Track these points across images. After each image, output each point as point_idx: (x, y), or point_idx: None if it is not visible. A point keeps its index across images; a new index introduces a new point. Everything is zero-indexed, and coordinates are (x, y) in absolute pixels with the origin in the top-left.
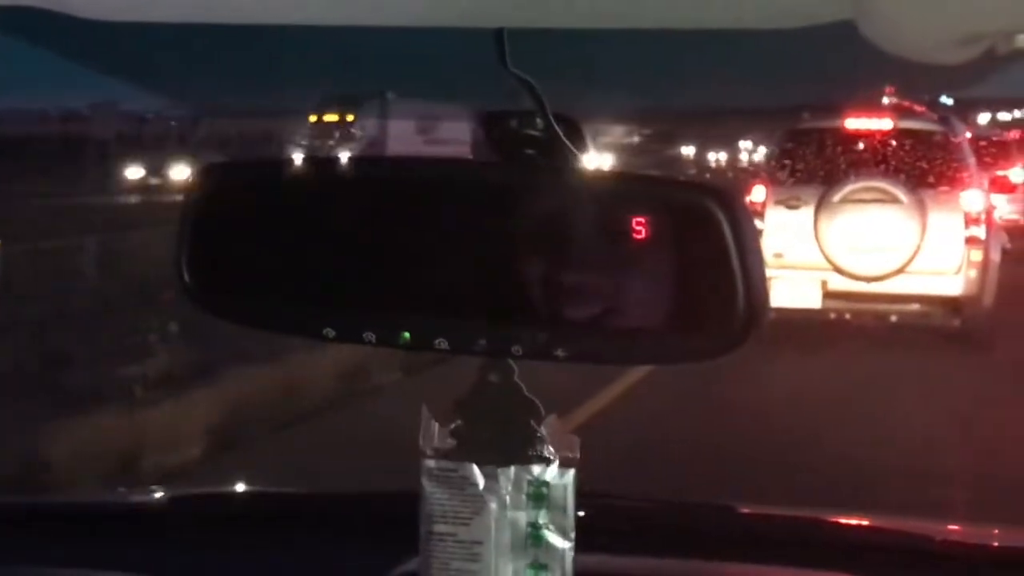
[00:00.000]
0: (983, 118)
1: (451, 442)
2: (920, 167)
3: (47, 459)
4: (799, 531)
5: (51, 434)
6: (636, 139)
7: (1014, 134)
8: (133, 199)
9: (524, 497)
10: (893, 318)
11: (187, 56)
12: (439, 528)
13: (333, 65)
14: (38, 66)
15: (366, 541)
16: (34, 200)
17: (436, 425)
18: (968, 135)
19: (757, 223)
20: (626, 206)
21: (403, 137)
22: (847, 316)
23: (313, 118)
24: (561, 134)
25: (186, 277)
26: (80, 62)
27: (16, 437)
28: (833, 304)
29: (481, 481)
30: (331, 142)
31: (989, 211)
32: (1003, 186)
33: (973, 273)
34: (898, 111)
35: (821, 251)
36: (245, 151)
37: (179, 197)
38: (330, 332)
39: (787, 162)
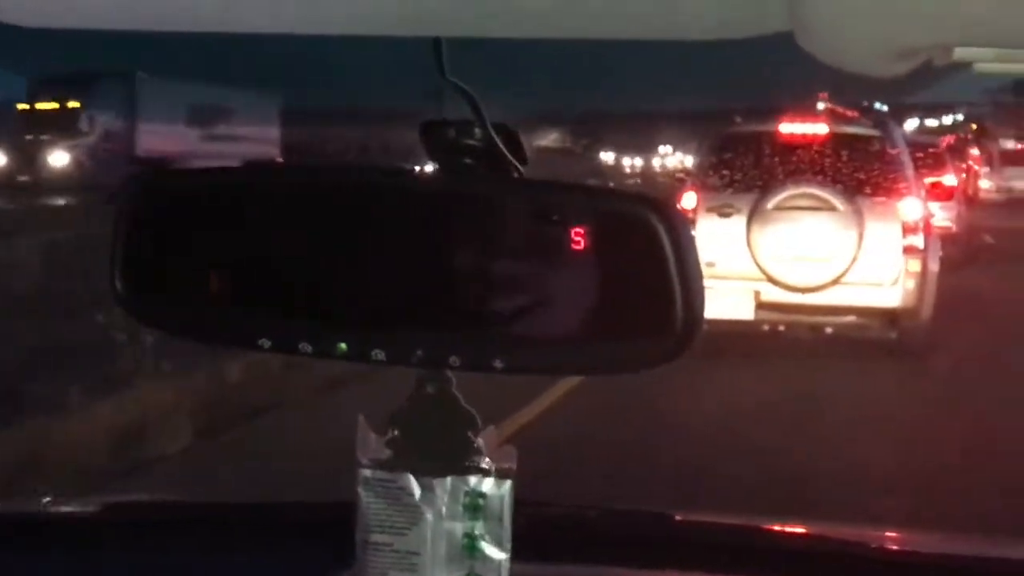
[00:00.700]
0: (910, 124)
1: (388, 452)
2: (857, 174)
3: None
4: (736, 538)
5: None
6: (566, 145)
7: (948, 139)
8: None
9: (461, 508)
10: (828, 330)
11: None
12: (375, 538)
13: (269, 71)
14: None
15: (302, 550)
16: None
17: (373, 435)
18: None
19: None
20: (565, 216)
21: (164, 131)
22: (781, 328)
23: (23, 106)
24: (500, 143)
25: (119, 287)
26: None
27: None
28: (766, 316)
29: (418, 491)
30: (45, 136)
31: (927, 219)
32: (939, 193)
33: (911, 284)
34: (833, 116)
35: (754, 261)
36: None
37: None
38: (265, 343)
39: (719, 168)
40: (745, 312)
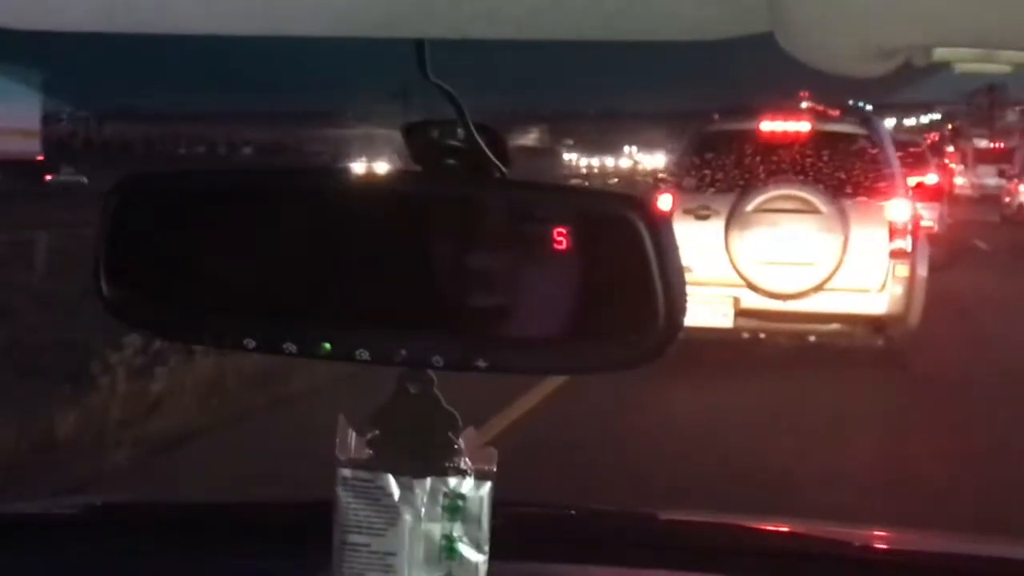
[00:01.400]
0: (888, 123)
1: (367, 452)
2: (841, 174)
3: None
4: (720, 538)
5: None
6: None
7: (931, 137)
8: None
9: (439, 509)
10: (811, 338)
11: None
12: (353, 538)
13: (251, 71)
14: None
15: (282, 550)
16: None
17: (353, 434)
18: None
19: None
20: (547, 216)
21: None
22: (761, 336)
23: None
24: (482, 144)
25: (104, 288)
26: None
27: None
28: (746, 323)
29: (396, 492)
30: None
31: (916, 221)
32: (924, 193)
33: (898, 290)
34: (815, 115)
35: (733, 266)
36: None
37: None
38: (250, 343)
39: (697, 168)
40: (724, 320)
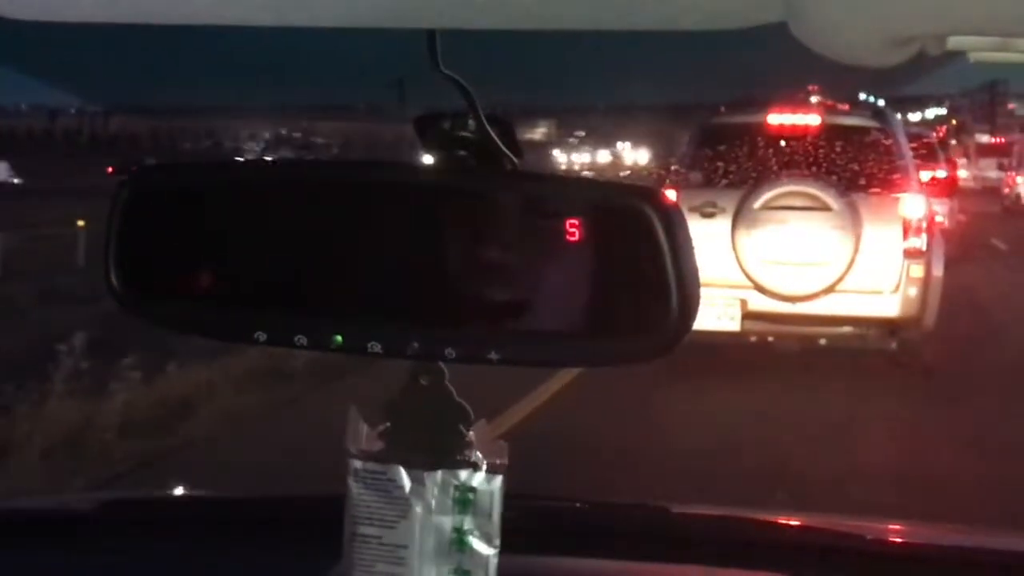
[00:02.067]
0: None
1: (379, 444)
2: (853, 168)
3: None
4: (731, 531)
5: None
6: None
7: (940, 131)
8: None
9: (450, 502)
10: (822, 342)
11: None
12: (364, 530)
13: (261, 64)
14: None
15: (296, 544)
16: None
17: (364, 426)
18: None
19: None
20: (559, 208)
21: None
22: (769, 340)
23: None
24: (494, 135)
25: (114, 281)
26: None
27: None
28: (753, 327)
29: (408, 484)
30: None
31: (931, 218)
32: (938, 188)
33: (913, 291)
34: (826, 108)
35: (740, 266)
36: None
37: None
38: (261, 336)
39: (702, 162)
40: (730, 323)
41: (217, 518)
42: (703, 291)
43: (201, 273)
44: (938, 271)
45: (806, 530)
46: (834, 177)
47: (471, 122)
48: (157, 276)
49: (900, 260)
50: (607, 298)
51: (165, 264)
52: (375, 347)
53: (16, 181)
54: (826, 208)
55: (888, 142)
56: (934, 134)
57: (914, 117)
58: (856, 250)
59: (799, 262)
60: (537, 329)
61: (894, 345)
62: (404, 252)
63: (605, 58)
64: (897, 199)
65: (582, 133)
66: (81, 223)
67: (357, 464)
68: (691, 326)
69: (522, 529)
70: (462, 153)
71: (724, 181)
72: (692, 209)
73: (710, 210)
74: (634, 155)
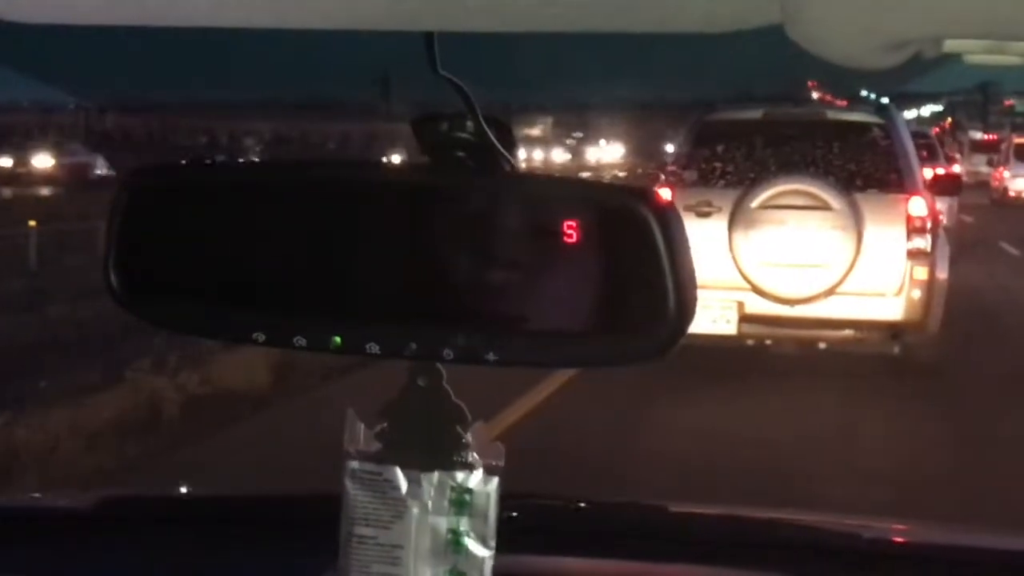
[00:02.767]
0: None
1: (376, 444)
2: (854, 167)
3: None
4: (729, 530)
5: None
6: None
7: (939, 128)
8: None
9: (446, 503)
10: (821, 346)
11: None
12: (360, 530)
13: (258, 64)
14: None
15: (293, 543)
16: None
17: (362, 427)
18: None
19: None
20: (557, 209)
21: None
22: (767, 343)
23: None
24: (492, 136)
25: (113, 280)
26: None
27: None
28: (751, 330)
29: (404, 485)
30: None
31: (935, 218)
32: (941, 187)
33: (917, 294)
34: (826, 104)
35: (737, 267)
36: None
37: None
38: (260, 336)
39: (697, 160)
40: (727, 326)
41: (213, 516)
42: (699, 293)
43: (200, 273)
44: (942, 273)
45: (805, 529)
46: (835, 175)
47: (469, 124)
48: (156, 276)
49: (903, 261)
50: (604, 299)
51: (164, 264)
52: (373, 348)
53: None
54: (826, 207)
55: (891, 139)
56: (933, 131)
57: (910, 115)
58: (857, 251)
59: (798, 263)
60: (535, 330)
61: (897, 349)
62: (403, 253)
63: (592, 56)
64: (900, 198)
65: (580, 134)
66: (32, 223)
67: (354, 464)
68: (688, 326)
69: (518, 529)
70: (460, 154)
71: (721, 179)
72: (687, 208)
73: (706, 209)
74: (604, 152)
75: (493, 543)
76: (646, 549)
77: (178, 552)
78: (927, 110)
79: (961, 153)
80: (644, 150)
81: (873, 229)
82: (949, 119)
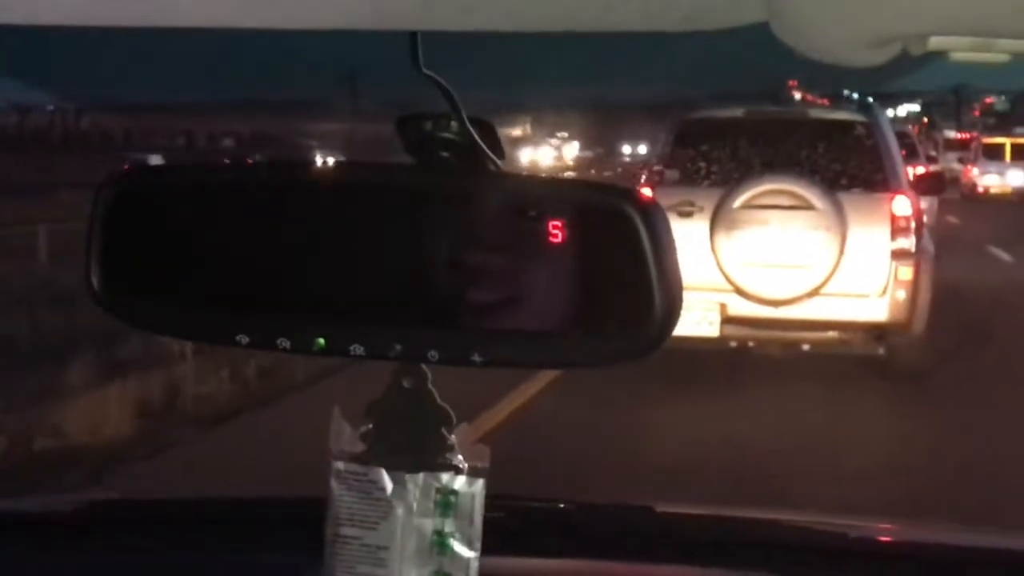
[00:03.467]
0: None
1: (361, 445)
2: (838, 166)
3: None
4: (718, 530)
5: None
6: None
7: (917, 127)
8: None
9: (431, 504)
10: (805, 347)
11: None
12: (345, 531)
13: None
14: None
15: (277, 545)
16: None
17: (347, 427)
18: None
19: None
20: (542, 209)
21: None
22: (750, 345)
23: None
24: (476, 136)
25: (95, 282)
26: None
27: None
28: (734, 331)
29: (389, 486)
30: None
31: (919, 217)
32: (925, 186)
33: (901, 294)
34: (808, 103)
35: (719, 268)
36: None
37: None
38: (243, 338)
39: (679, 159)
40: (709, 328)
41: (201, 518)
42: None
43: (182, 275)
44: (928, 272)
45: (791, 529)
46: (818, 175)
47: (453, 123)
48: (138, 277)
49: (888, 262)
50: (590, 299)
51: (147, 265)
52: (358, 349)
53: None
54: (810, 207)
55: (874, 138)
56: (913, 129)
57: (888, 114)
58: (841, 251)
59: (781, 264)
60: (521, 330)
61: (882, 351)
62: (387, 254)
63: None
64: (884, 197)
65: (565, 133)
66: None
67: (339, 465)
68: (675, 325)
69: (504, 530)
70: (444, 154)
71: (703, 179)
72: (669, 208)
73: (688, 209)
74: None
75: (479, 544)
76: (633, 550)
77: (165, 555)
78: (903, 110)
79: (936, 151)
80: (614, 149)
81: (857, 229)
82: (925, 119)
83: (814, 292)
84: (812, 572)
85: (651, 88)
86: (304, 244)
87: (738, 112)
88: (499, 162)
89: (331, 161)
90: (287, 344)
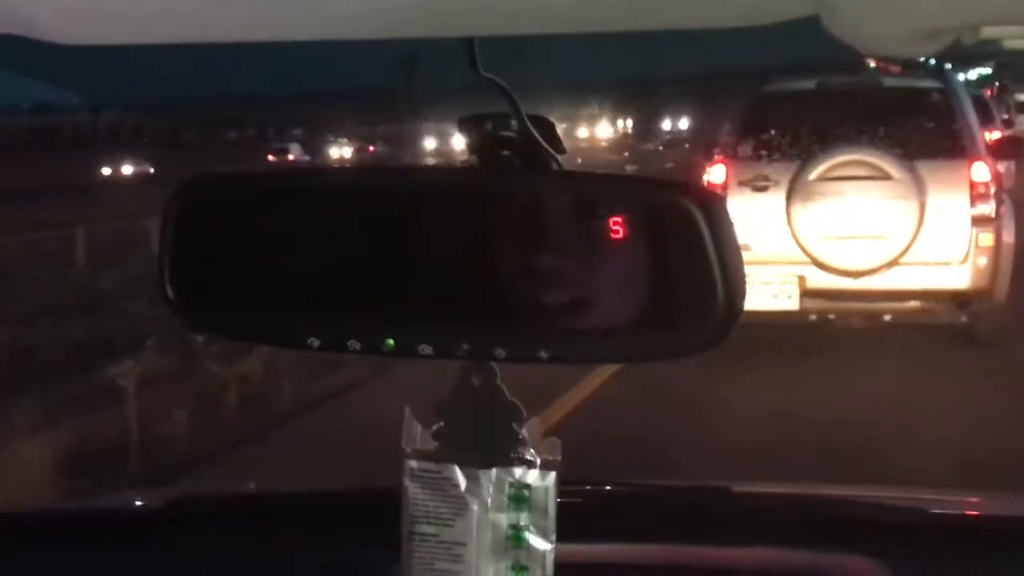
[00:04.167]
0: None
1: (433, 443)
2: (914, 134)
3: None
4: (797, 509)
5: None
6: None
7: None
8: None
9: (505, 499)
10: (887, 318)
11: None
12: (421, 528)
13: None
14: None
15: (357, 539)
16: None
17: (418, 426)
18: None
19: None
20: (603, 206)
21: None
22: (831, 318)
23: None
24: (537, 135)
25: (169, 292)
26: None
27: None
28: (813, 304)
29: (463, 483)
30: None
31: (999, 183)
32: (1003, 150)
33: (983, 261)
34: (881, 71)
35: (796, 242)
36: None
37: None
38: (314, 342)
39: (752, 134)
40: (788, 302)
41: (270, 514)
42: (759, 269)
43: (253, 280)
44: (1009, 238)
45: (872, 506)
46: (894, 144)
47: (513, 122)
48: (210, 285)
49: (968, 228)
50: (653, 294)
51: (218, 272)
52: (426, 349)
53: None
54: (887, 177)
55: (950, 104)
56: (987, 93)
57: (960, 78)
58: (920, 220)
59: (860, 235)
60: (585, 327)
61: (964, 318)
62: (452, 254)
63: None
64: (962, 164)
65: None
66: None
67: (412, 464)
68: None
69: (578, 516)
70: (506, 153)
71: (776, 153)
72: (743, 183)
73: (762, 184)
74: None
75: (553, 536)
76: (710, 531)
77: (243, 551)
78: (974, 73)
79: (1008, 114)
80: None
81: (935, 197)
82: (997, 82)
83: (894, 262)
84: (893, 548)
85: (689, 65)
86: (371, 246)
87: (810, 84)
88: (559, 157)
89: (397, 163)
90: (357, 346)
